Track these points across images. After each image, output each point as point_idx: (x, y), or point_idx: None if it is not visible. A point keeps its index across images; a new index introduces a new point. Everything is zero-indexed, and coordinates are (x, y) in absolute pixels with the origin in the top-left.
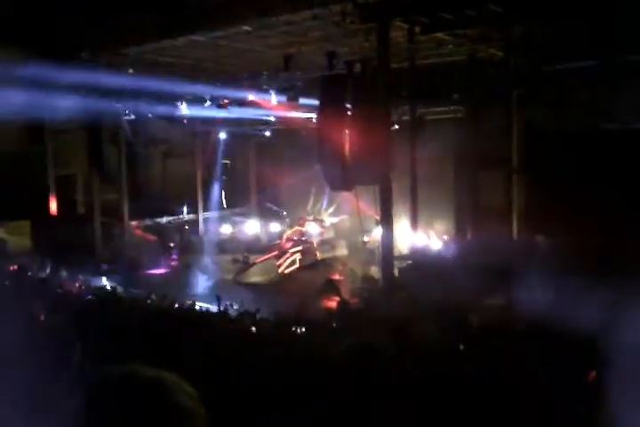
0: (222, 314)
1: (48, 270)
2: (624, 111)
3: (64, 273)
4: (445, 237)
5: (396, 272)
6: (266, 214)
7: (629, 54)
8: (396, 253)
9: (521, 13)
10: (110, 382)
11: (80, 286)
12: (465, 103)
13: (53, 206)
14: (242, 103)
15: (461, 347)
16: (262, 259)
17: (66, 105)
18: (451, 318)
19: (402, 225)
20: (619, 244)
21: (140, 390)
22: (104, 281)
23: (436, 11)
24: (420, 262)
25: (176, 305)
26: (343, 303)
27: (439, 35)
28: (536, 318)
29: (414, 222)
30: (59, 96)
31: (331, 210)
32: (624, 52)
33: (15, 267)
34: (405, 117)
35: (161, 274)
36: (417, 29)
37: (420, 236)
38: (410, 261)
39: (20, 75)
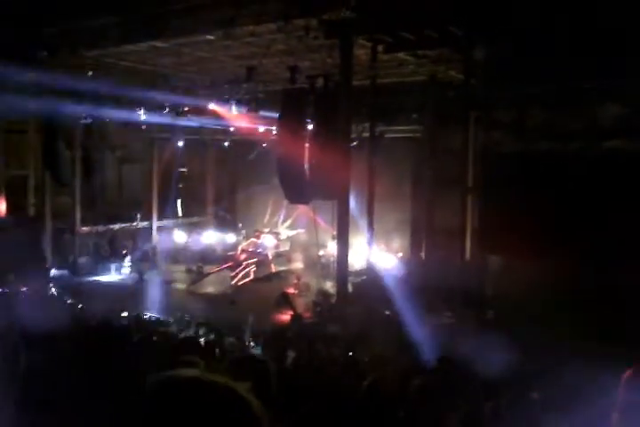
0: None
1: None
2: (579, 135)
3: (11, 277)
4: (400, 253)
5: (350, 287)
6: (221, 225)
7: (586, 79)
8: (350, 268)
9: (481, 37)
10: (178, 386)
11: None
12: (423, 123)
13: (2, 207)
14: (201, 112)
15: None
16: (216, 270)
17: (21, 105)
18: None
19: (358, 241)
20: (572, 264)
21: (214, 395)
22: (50, 287)
23: (398, 30)
24: (374, 278)
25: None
26: (296, 317)
27: (401, 54)
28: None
29: (370, 238)
30: (13, 95)
31: (287, 223)
32: (581, 77)
33: None
34: (365, 134)
35: (112, 282)
36: (380, 48)
37: (376, 252)
38: (364, 277)
39: None
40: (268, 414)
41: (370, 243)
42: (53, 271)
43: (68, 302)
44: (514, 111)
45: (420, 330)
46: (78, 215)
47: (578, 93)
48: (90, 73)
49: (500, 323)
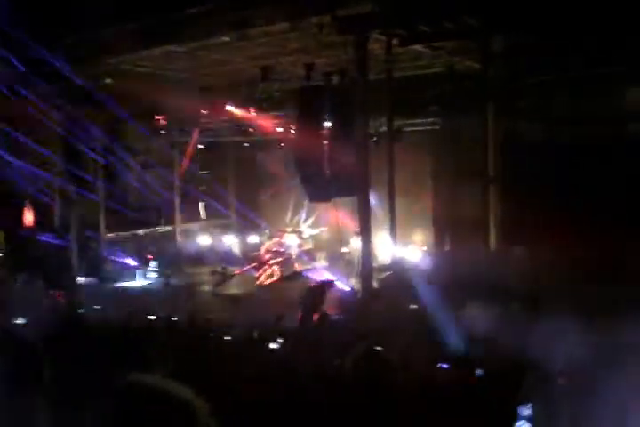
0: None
1: (22, 283)
2: (602, 121)
3: (39, 285)
4: (424, 248)
5: (375, 283)
6: (244, 226)
7: (605, 66)
8: (375, 263)
9: (498, 26)
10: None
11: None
12: (442, 115)
13: (29, 218)
14: (220, 114)
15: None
16: (241, 271)
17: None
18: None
19: (381, 236)
20: (597, 253)
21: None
22: (80, 294)
23: (413, 23)
24: (400, 273)
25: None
26: (323, 315)
27: (417, 47)
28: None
29: (393, 233)
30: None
31: (309, 222)
32: (601, 63)
33: None
34: (383, 129)
35: (138, 286)
36: (395, 42)
37: (399, 247)
38: (389, 272)
39: None
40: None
41: (393, 238)
42: (80, 279)
43: (96, 307)
44: (535, 100)
45: (447, 323)
46: (103, 222)
47: (600, 80)
48: (108, 80)
49: (527, 314)
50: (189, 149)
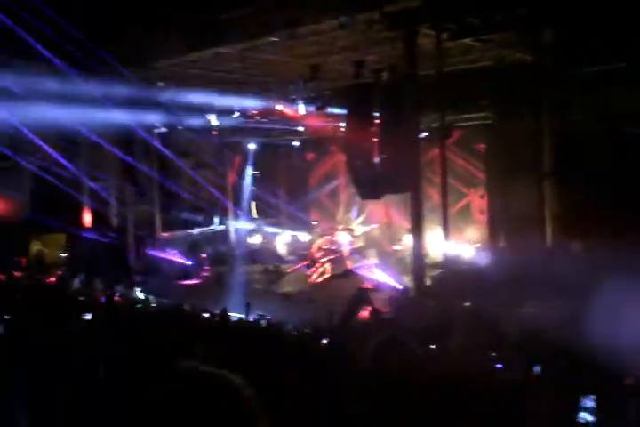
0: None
1: (80, 282)
2: None
3: (99, 285)
4: (478, 244)
5: (428, 280)
6: (296, 224)
7: None
8: (428, 261)
9: (549, 16)
10: (181, 378)
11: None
12: (494, 109)
13: (87, 219)
14: (270, 114)
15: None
16: (293, 269)
17: (98, 118)
18: (484, 326)
19: (433, 233)
20: None
21: (208, 389)
22: (138, 293)
23: (463, 17)
24: (453, 270)
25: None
26: (375, 313)
27: (467, 41)
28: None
29: (446, 230)
30: (89, 109)
31: (360, 219)
32: None
33: (54, 279)
34: (434, 124)
35: (194, 285)
36: (444, 36)
37: (452, 244)
38: (442, 269)
39: (50, 89)
40: (263, 408)
41: (446, 234)
42: (137, 277)
43: (153, 304)
44: (589, 92)
45: (503, 321)
46: (158, 222)
47: None
48: (160, 83)
49: (587, 310)
50: (240, 149)
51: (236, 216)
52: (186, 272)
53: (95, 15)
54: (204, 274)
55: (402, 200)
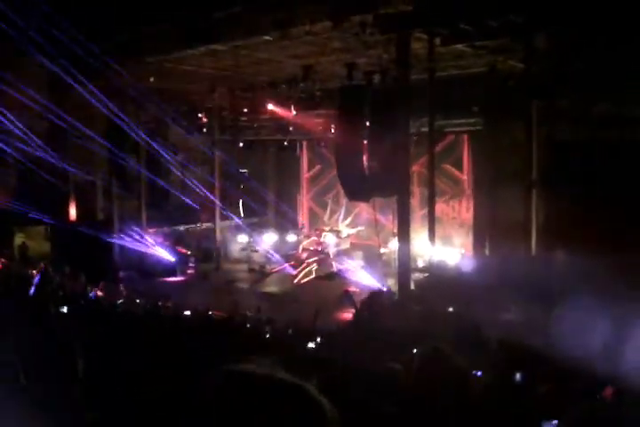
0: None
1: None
2: None
3: (83, 278)
4: (463, 250)
5: (412, 284)
6: (283, 224)
7: None
8: (413, 265)
9: (542, 23)
10: (243, 381)
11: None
12: (484, 115)
13: (73, 212)
14: (260, 112)
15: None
16: (279, 269)
17: (87, 112)
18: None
19: (419, 237)
20: None
21: (284, 393)
22: (120, 288)
23: (456, 22)
24: (438, 276)
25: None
26: (358, 315)
27: (459, 46)
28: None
29: (432, 235)
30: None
31: (347, 221)
32: None
33: (37, 271)
34: (424, 129)
35: (178, 282)
36: (437, 41)
37: (438, 249)
38: (427, 274)
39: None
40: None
41: (431, 239)
42: (121, 272)
43: (137, 301)
44: (580, 100)
45: (485, 327)
46: (145, 218)
47: None
48: (151, 79)
49: (567, 319)
50: (230, 148)
51: (223, 214)
52: (171, 269)
53: (88, 12)
54: (189, 271)
55: (390, 203)
